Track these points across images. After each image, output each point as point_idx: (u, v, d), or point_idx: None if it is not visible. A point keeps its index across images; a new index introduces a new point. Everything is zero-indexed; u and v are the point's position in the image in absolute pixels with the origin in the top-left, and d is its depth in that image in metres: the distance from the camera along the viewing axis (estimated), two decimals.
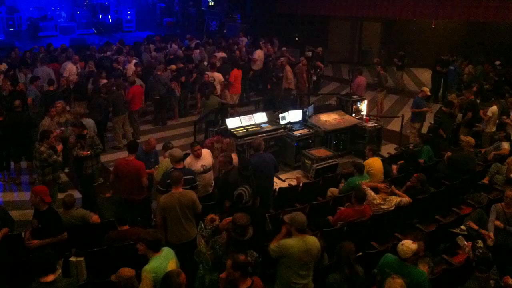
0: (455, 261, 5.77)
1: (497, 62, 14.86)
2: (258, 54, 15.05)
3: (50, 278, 4.15)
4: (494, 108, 10.18)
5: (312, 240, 4.77)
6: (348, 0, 19.45)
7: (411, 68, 19.43)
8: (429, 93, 11.31)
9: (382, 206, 6.73)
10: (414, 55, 19.28)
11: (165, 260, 4.55)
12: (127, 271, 4.58)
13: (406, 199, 6.85)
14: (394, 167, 8.56)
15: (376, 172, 7.75)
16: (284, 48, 16.58)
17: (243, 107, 13.29)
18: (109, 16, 24.64)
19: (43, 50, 14.39)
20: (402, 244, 4.73)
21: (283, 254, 4.64)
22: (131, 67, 12.74)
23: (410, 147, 9.63)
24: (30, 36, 21.59)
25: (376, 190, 7.27)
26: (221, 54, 14.65)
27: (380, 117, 12.43)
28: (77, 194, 8.47)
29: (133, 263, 5.14)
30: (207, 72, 12.26)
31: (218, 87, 12.05)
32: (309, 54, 15.81)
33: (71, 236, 5.77)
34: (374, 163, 7.85)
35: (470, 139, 8.56)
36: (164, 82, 12.09)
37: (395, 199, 6.82)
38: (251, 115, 10.02)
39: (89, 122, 8.86)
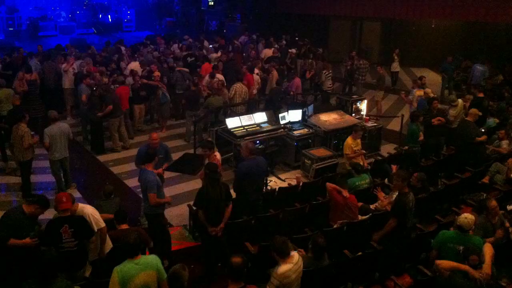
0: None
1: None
2: (265, 53, 15.13)
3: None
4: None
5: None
6: (348, 0, 19.46)
7: (411, 68, 19.45)
8: (432, 95, 11.31)
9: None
10: (414, 54, 19.29)
11: (136, 269, 4.44)
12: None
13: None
14: (394, 167, 8.56)
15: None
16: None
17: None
18: (109, 16, 24.65)
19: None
20: (466, 218, 5.32)
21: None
22: (130, 67, 12.72)
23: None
24: (30, 36, 21.59)
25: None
26: (215, 55, 14.64)
27: (380, 117, 12.43)
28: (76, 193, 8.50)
29: None
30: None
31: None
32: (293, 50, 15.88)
33: None
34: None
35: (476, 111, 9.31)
36: (188, 77, 12.27)
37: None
38: (251, 115, 10.00)
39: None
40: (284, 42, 17.61)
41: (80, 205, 5.59)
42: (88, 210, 5.54)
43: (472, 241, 5.28)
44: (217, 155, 7.32)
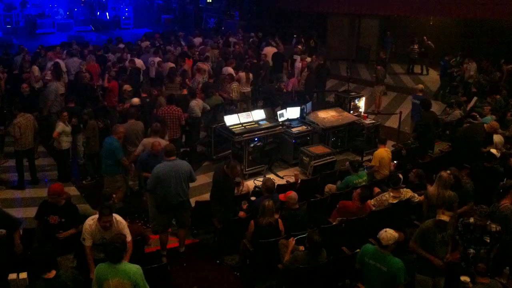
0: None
1: None
2: (268, 50, 15.12)
3: (52, 273, 4.20)
4: None
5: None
6: None
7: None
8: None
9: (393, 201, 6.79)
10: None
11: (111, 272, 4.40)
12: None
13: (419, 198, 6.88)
14: (392, 164, 8.59)
15: (385, 163, 8.15)
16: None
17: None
18: (107, 13, 24.60)
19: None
20: (386, 231, 4.92)
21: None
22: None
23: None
24: (28, 33, 21.53)
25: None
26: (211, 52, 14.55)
27: (378, 114, 12.46)
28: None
29: (134, 261, 5.14)
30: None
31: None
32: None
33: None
34: (385, 154, 8.21)
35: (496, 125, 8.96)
36: None
37: (409, 193, 6.89)
38: (249, 112, 10.00)
39: None
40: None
41: (117, 218, 5.32)
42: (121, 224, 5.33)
43: (390, 261, 4.84)
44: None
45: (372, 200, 6.90)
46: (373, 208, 6.73)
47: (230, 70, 12.25)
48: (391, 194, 6.82)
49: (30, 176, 8.89)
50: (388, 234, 4.87)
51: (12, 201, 8.34)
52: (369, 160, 8.92)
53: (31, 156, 8.85)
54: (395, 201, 6.74)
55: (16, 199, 8.45)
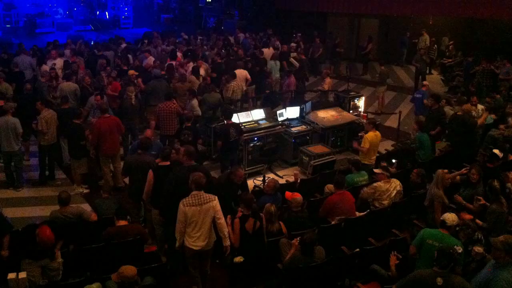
0: None
1: None
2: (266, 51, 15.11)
3: None
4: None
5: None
6: None
7: (409, 66, 19.44)
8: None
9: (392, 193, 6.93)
10: (412, 51, 19.26)
11: None
12: (129, 270, 4.57)
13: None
14: (393, 165, 8.59)
15: (374, 147, 8.33)
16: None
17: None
18: (107, 13, 24.60)
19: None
20: (450, 214, 5.38)
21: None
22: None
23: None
24: (27, 33, 21.51)
25: None
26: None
27: (382, 113, 12.47)
28: None
29: (133, 260, 5.15)
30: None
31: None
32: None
33: (67, 233, 5.77)
34: (375, 138, 8.32)
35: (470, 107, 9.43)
36: None
37: (397, 182, 7.06)
38: (249, 112, 10.01)
39: None
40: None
41: None
42: None
43: (452, 242, 5.06)
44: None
45: (367, 188, 7.03)
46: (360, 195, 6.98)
47: (241, 72, 12.22)
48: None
49: (48, 171, 9.02)
50: (454, 216, 5.31)
51: (25, 200, 8.44)
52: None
53: (53, 152, 8.95)
54: (387, 186, 6.92)
55: (26, 198, 8.53)
